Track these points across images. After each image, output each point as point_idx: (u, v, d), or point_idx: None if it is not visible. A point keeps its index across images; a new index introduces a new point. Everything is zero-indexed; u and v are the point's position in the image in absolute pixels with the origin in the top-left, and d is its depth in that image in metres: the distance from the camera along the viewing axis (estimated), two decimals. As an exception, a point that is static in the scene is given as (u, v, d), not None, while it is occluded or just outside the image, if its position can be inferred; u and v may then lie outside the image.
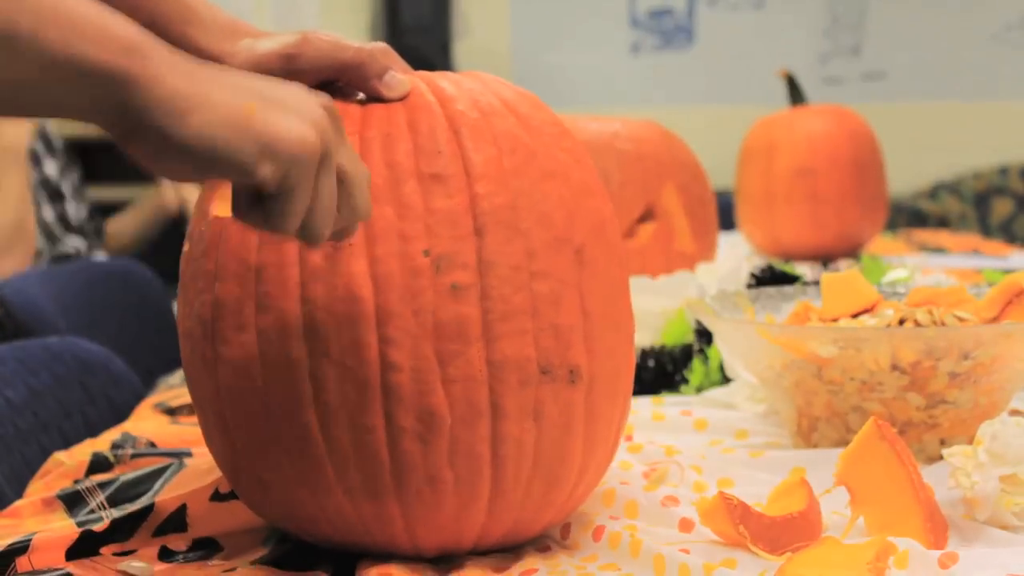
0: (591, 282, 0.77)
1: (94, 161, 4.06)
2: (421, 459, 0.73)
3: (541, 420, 0.74)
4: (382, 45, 0.81)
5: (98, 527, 0.84)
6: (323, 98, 0.66)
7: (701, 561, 0.73)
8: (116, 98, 0.58)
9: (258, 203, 0.64)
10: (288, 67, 0.79)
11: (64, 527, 0.85)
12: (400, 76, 0.79)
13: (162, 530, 0.85)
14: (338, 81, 0.80)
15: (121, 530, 0.85)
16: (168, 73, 0.59)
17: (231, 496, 0.87)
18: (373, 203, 0.72)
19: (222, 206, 0.77)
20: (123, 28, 0.59)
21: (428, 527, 0.75)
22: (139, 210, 2.99)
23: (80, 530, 0.83)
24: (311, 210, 0.64)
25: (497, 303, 0.73)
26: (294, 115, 0.63)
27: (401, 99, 0.78)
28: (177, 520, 0.86)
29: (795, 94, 2.28)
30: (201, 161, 0.60)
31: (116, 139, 0.61)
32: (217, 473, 0.89)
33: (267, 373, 0.73)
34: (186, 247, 0.80)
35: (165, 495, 0.88)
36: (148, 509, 0.86)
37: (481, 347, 0.73)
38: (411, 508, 0.74)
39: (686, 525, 0.81)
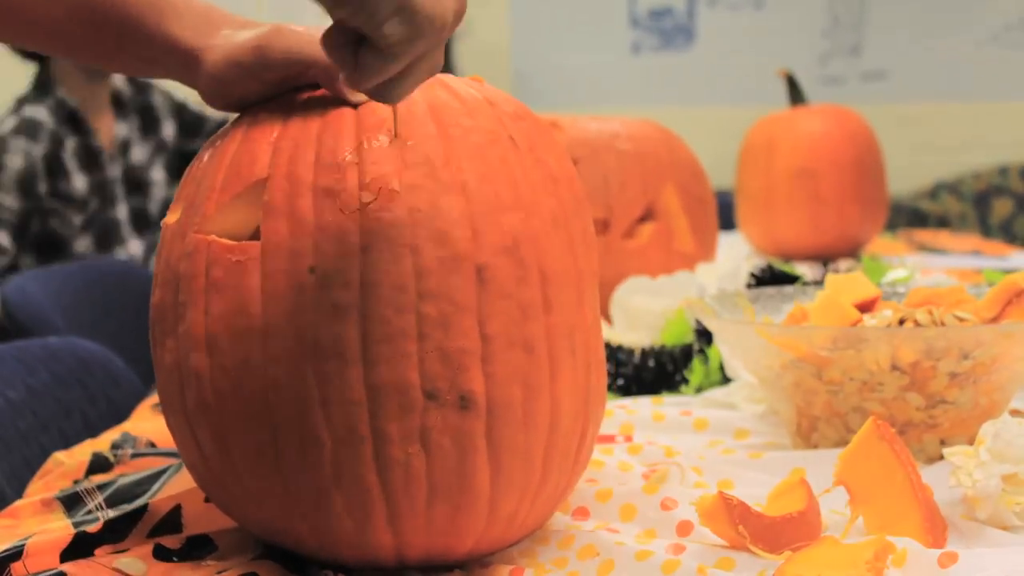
0: (495, 304, 0.72)
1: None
2: (308, 481, 0.72)
3: (429, 446, 0.71)
4: None
5: (92, 528, 0.84)
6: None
7: (695, 563, 0.73)
8: None
9: (355, 45, 0.64)
10: (259, 58, 0.78)
11: (59, 528, 0.85)
12: None
13: (157, 531, 0.85)
14: (305, 76, 0.79)
15: (115, 531, 0.84)
16: None
17: None
18: (272, 220, 0.72)
19: (173, 214, 0.78)
20: None
21: (338, 543, 0.74)
22: None
23: (74, 531, 0.83)
24: (406, 72, 0.66)
25: (377, 325, 0.70)
26: None
27: (359, 105, 0.76)
28: (172, 521, 0.86)
29: (795, 94, 2.28)
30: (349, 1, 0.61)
31: None
32: None
33: (183, 380, 0.74)
34: None
35: (160, 496, 0.88)
36: (142, 510, 0.86)
37: (359, 369, 0.70)
38: (314, 523, 0.74)
39: (685, 528, 0.81)
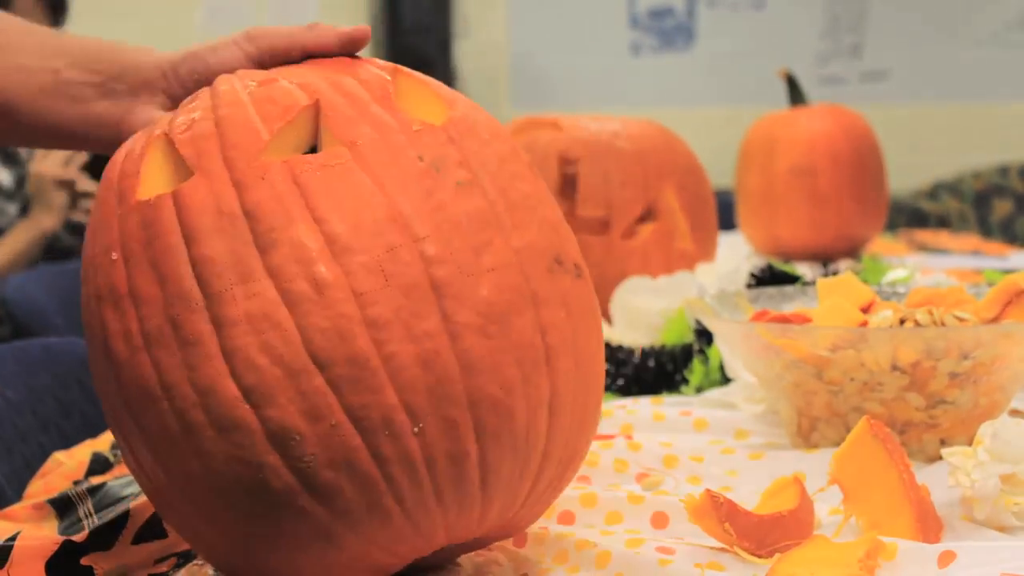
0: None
1: (94, 160, 4.06)
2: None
3: (571, 310, 0.72)
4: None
5: (78, 536, 0.83)
6: None
7: (690, 561, 0.74)
8: None
9: None
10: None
11: (46, 537, 0.85)
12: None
13: (141, 537, 0.84)
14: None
15: (101, 539, 0.83)
16: None
17: None
18: (355, 126, 0.72)
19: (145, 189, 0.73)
20: None
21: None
22: (11, 241, 2.85)
23: (61, 540, 0.83)
24: None
25: (498, 196, 0.72)
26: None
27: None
28: (154, 526, 0.85)
29: (795, 94, 2.28)
30: None
31: None
32: None
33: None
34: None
35: (140, 500, 0.87)
36: (125, 516, 0.85)
37: (505, 235, 0.71)
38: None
39: (672, 531, 0.81)
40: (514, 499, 0.72)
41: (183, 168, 0.71)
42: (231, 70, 0.80)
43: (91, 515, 0.90)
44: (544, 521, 0.85)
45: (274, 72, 0.77)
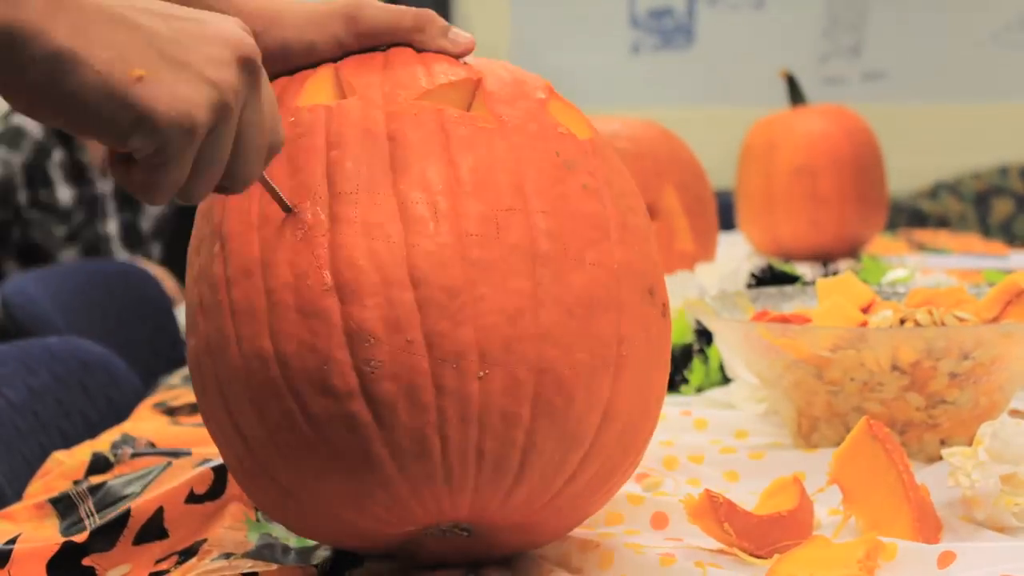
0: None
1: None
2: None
3: (650, 337, 0.74)
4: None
5: (79, 537, 0.83)
6: (246, 47, 0.61)
7: (687, 564, 0.74)
8: None
9: (131, 164, 0.60)
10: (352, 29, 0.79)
11: (47, 537, 0.85)
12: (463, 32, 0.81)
13: (142, 537, 0.84)
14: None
15: (102, 539, 0.83)
16: (51, 27, 0.55)
17: (208, 497, 0.87)
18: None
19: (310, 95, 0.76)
20: None
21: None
22: None
23: (62, 540, 0.83)
24: (191, 175, 0.60)
25: (614, 212, 0.75)
26: (193, 79, 0.58)
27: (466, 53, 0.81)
28: (155, 525, 0.85)
29: (795, 94, 2.28)
30: (73, 123, 0.57)
31: None
32: (191, 472, 0.89)
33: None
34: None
35: (141, 498, 0.87)
36: (126, 515, 0.85)
37: (612, 245, 0.73)
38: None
39: (672, 533, 0.81)
40: (545, 489, 0.72)
41: (343, 95, 0.77)
42: (316, 56, 0.79)
43: (92, 515, 0.90)
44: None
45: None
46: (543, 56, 4.38)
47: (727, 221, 2.21)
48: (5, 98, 0.58)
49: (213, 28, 0.61)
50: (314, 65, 0.79)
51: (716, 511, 0.76)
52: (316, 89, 0.77)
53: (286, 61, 0.79)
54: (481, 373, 0.68)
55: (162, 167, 0.59)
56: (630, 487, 0.92)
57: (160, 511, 0.86)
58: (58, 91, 0.56)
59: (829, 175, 2.14)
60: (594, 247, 0.73)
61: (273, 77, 0.79)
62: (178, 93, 0.58)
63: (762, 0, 4.34)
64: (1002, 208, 4.16)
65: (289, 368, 0.68)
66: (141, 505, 0.86)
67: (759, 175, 2.20)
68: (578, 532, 0.81)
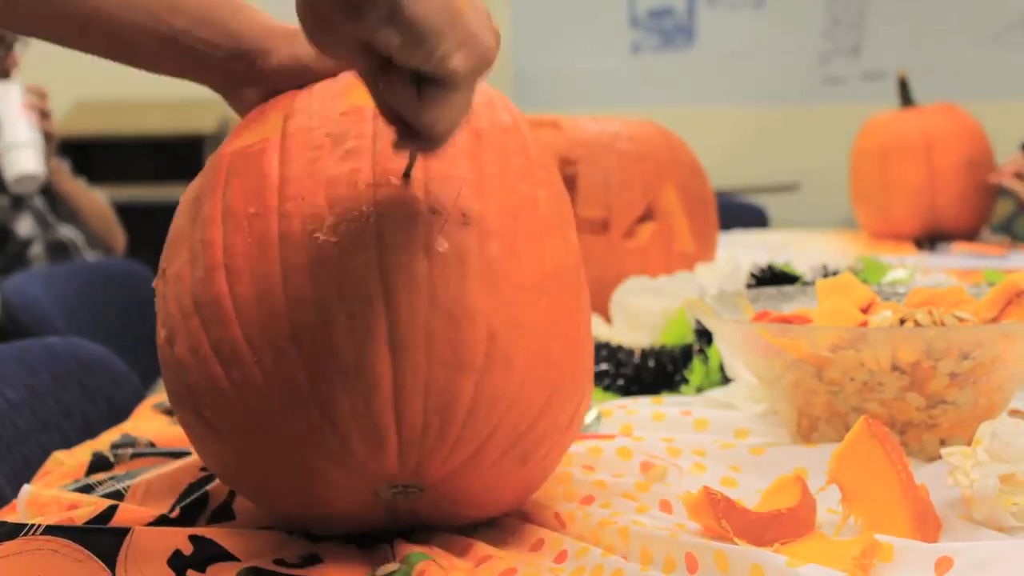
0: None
1: (94, 161, 4.07)
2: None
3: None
4: None
5: (173, 513, 0.84)
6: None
7: (683, 550, 0.74)
8: None
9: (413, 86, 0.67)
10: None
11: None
12: None
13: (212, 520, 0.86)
14: None
15: (186, 519, 0.85)
16: None
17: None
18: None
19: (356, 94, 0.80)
20: None
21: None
22: None
23: (156, 514, 0.83)
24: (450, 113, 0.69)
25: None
26: (485, 26, 0.67)
27: None
28: (226, 508, 0.87)
29: (906, 95, 2.60)
30: (414, 38, 0.64)
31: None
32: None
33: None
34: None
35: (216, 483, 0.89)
36: (205, 497, 0.86)
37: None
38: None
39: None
40: (380, 437, 0.74)
41: None
42: (326, 71, 0.85)
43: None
44: (569, 505, 0.87)
45: None
46: (543, 56, 4.38)
47: (727, 221, 2.21)
48: (335, 20, 0.65)
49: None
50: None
51: (714, 508, 0.76)
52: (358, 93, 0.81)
53: (299, 75, 0.85)
54: (255, 359, 0.73)
55: (465, 88, 0.68)
56: (635, 478, 0.92)
57: (231, 495, 0.87)
58: (413, 7, 0.63)
59: (988, 167, 2.62)
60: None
61: (284, 90, 0.85)
62: (484, 32, 0.67)
63: (762, 0, 4.34)
64: (1002, 208, 4.15)
65: (294, 293, 0.74)
66: (216, 487, 0.87)
67: (917, 170, 2.53)
68: (595, 511, 0.82)
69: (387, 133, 0.75)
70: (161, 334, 0.79)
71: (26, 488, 0.88)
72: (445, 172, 0.78)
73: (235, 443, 0.76)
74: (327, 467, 0.74)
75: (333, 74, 0.85)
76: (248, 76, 0.87)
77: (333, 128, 0.80)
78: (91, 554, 0.75)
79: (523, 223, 0.79)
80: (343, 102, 0.82)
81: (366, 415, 0.73)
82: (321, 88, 0.84)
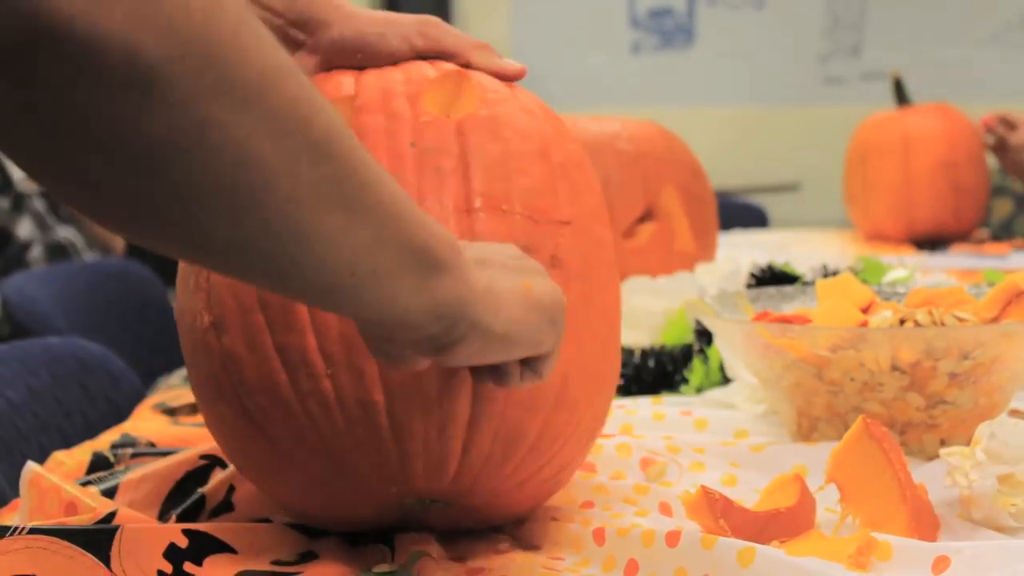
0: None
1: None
2: None
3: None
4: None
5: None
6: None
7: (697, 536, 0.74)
8: (441, 289, 0.58)
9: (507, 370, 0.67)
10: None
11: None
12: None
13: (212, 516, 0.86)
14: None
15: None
16: (470, 269, 0.61)
17: None
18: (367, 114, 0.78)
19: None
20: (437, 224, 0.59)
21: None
22: None
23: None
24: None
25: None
26: (541, 276, 0.67)
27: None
28: (225, 503, 0.87)
29: (901, 95, 2.52)
30: (509, 347, 0.64)
31: (425, 344, 0.60)
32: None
33: None
34: None
35: (212, 484, 0.88)
36: (201, 499, 0.86)
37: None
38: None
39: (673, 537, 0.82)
40: (442, 463, 0.74)
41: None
42: (394, 60, 0.83)
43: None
44: (570, 508, 0.87)
45: None
46: (543, 56, 4.38)
47: (727, 221, 2.21)
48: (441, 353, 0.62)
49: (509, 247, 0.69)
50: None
51: (713, 507, 0.76)
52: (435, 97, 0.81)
53: (361, 49, 0.84)
54: (328, 371, 0.72)
55: (557, 348, 0.68)
56: (635, 477, 0.92)
57: (231, 489, 0.87)
58: (499, 324, 0.62)
59: (972, 168, 2.52)
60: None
61: (337, 65, 0.84)
62: (548, 286, 0.67)
63: (762, 0, 4.34)
64: (1002, 208, 4.15)
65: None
66: (213, 487, 0.87)
67: (894, 170, 2.45)
68: (596, 515, 0.82)
69: (479, 153, 0.75)
70: (204, 318, 0.75)
71: (30, 464, 0.87)
72: (543, 208, 0.76)
73: (284, 449, 0.74)
74: (379, 484, 0.74)
75: (394, 57, 0.83)
76: (306, 45, 0.86)
77: (418, 138, 0.77)
78: (82, 550, 0.74)
79: (596, 268, 0.79)
80: (419, 107, 0.79)
81: (437, 444, 0.72)
82: (384, 81, 0.81)
